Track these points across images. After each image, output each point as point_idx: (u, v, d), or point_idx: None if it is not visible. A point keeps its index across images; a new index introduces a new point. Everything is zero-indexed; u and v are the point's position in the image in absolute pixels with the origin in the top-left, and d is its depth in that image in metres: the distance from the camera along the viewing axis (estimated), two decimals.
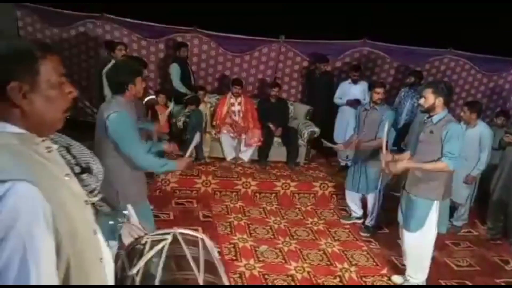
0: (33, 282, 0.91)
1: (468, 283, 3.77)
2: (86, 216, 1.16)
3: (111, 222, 1.67)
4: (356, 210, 4.66)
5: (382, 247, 4.20)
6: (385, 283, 3.64)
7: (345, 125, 5.76)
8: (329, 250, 4.07)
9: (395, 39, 6.39)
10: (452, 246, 4.42)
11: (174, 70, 5.68)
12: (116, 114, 2.53)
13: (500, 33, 6.10)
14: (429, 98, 3.16)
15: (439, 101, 3.14)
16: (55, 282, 0.98)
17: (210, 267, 1.62)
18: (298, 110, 6.30)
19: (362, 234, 4.43)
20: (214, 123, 5.77)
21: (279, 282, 3.48)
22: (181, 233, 1.75)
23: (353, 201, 4.62)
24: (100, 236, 1.27)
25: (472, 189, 4.64)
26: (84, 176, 1.25)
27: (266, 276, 3.54)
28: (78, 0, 5.80)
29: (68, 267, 1.04)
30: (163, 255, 1.59)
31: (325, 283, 3.55)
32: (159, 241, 1.68)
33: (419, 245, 3.37)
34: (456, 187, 4.55)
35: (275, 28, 6.34)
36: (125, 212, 1.64)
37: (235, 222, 4.44)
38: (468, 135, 4.44)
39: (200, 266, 1.57)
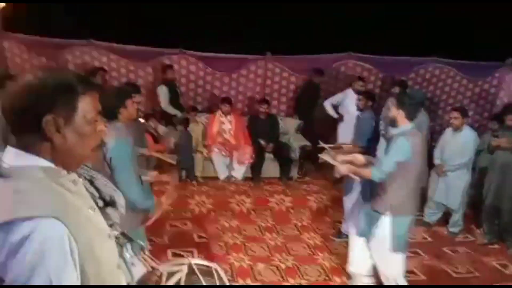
0: None
1: None
2: (110, 251, 1.15)
3: (127, 254, 1.65)
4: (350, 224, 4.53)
5: None
6: None
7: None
8: (327, 264, 4.03)
9: (379, 50, 6.51)
10: (449, 253, 4.40)
11: (162, 92, 5.72)
12: (114, 140, 2.53)
13: (483, 38, 6.24)
14: (392, 110, 3.07)
15: (400, 114, 3.01)
16: None
17: None
18: (289, 125, 6.34)
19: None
20: (205, 142, 5.77)
21: None
22: (196, 264, 1.74)
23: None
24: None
25: (464, 194, 4.66)
26: (108, 210, 1.23)
27: None
28: (64, 28, 5.83)
29: None
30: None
31: None
32: (175, 272, 1.67)
33: (376, 258, 3.22)
34: (449, 192, 4.62)
35: (261, 45, 6.44)
36: (141, 243, 1.63)
37: (231, 242, 4.39)
38: (455, 140, 4.52)
39: None
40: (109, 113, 2.62)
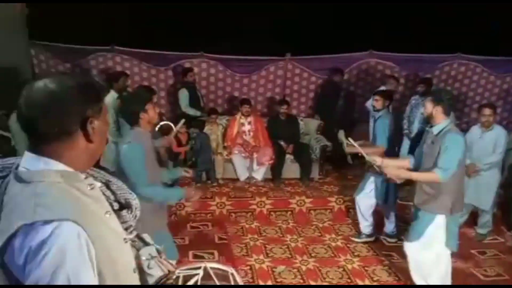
0: None
1: None
2: (126, 255, 1.16)
3: (143, 258, 1.68)
4: (366, 225, 4.43)
5: (404, 259, 4.05)
6: None
7: None
8: (349, 266, 3.97)
9: (401, 48, 6.37)
10: (478, 255, 4.25)
11: (183, 95, 5.78)
12: (127, 145, 2.60)
13: (508, 33, 6.01)
14: (428, 107, 3.05)
15: (437, 110, 3.01)
16: None
17: None
18: (309, 126, 6.29)
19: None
20: (225, 144, 5.80)
21: None
22: (212, 268, 1.75)
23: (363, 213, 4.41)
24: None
25: (495, 194, 4.49)
26: (124, 212, 1.24)
27: None
28: (88, 34, 5.99)
29: None
30: None
31: None
32: (191, 276, 1.68)
33: (422, 261, 3.21)
34: (480, 193, 4.44)
35: (281, 46, 6.42)
36: (158, 246, 1.65)
37: (251, 243, 4.39)
38: (486, 138, 4.36)
39: None
40: (131, 118, 2.69)
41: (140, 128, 2.68)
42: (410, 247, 3.25)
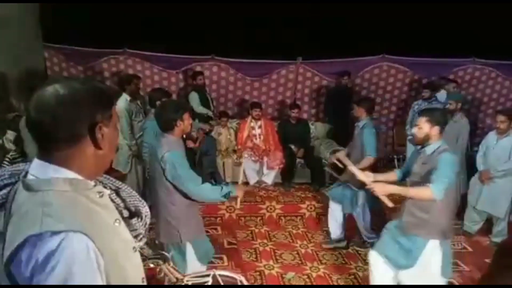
0: None
1: None
2: (135, 264, 1.14)
3: (151, 265, 1.67)
4: (336, 231, 4.31)
5: None
6: None
7: None
8: (360, 274, 3.90)
9: (414, 52, 6.28)
10: None
11: (193, 98, 5.78)
12: (169, 153, 2.61)
13: None
14: (424, 127, 2.85)
15: (435, 130, 2.83)
16: None
17: None
18: (320, 130, 6.23)
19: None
20: (235, 147, 5.77)
21: None
22: (220, 275, 1.73)
23: (334, 218, 4.29)
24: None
25: (511, 202, 4.39)
26: (133, 220, 1.23)
27: None
28: (100, 37, 6.04)
29: None
30: None
31: None
32: (200, 284, 1.66)
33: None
34: (494, 200, 4.35)
35: (292, 49, 6.39)
36: (166, 254, 1.63)
37: (261, 248, 4.35)
38: (502, 144, 4.27)
39: None
40: (167, 125, 2.70)
41: (171, 136, 2.70)
42: (405, 275, 2.94)
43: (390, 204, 2.92)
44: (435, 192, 2.68)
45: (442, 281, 2.92)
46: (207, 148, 5.40)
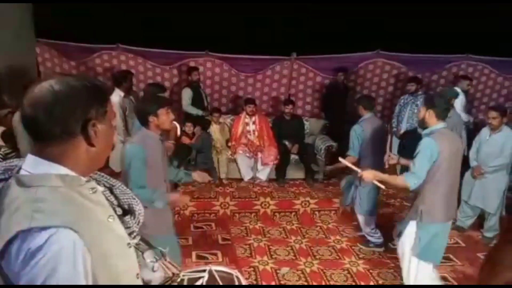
0: None
1: None
2: (129, 260, 1.14)
3: (148, 260, 1.66)
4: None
5: None
6: None
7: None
8: (354, 269, 3.92)
9: (409, 49, 6.30)
10: (484, 258, 4.18)
11: (186, 94, 5.75)
12: (130, 146, 2.60)
13: None
14: (421, 110, 2.98)
15: (430, 114, 2.91)
16: None
17: None
18: (314, 126, 6.24)
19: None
20: (230, 144, 5.76)
21: None
22: (217, 270, 1.72)
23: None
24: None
25: (502, 198, 4.43)
26: (127, 218, 1.22)
27: None
28: (93, 33, 5.98)
29: None
30: None
31: None
32: (196, 279, 1.66)
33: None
34: (486, 195, 4.39)
35: (286, 45, 6.37)
36: (162, 249, 1.62)
37: (255, 244, 4.35)
38: (494, 140, 4.30)
39: None
40: (141, 119, 2.68)
41: (148, 131, 2.67)
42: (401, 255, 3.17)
43: (382, 186, 3.16)
44: (408, 181, 2.86)
45: (415, 261, 2.98)
46: (203, 144, 5.39)
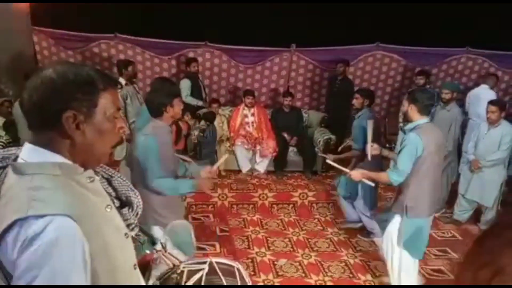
0: None
1: None
2: (127, 250, 1.13)
3: (147, 251, 1.65)
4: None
5: None
6: None
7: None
8: (351, 261, 3.94)
9: (408, 41, 6.26)
10: None
11: (184, 85, 5.71)
12: (144, 137, 2.58)
13: None
14: (404, 105, 3.04)
15: (412, 109, 2.93)
16: None
17: None
18: (313, 118, 6.23)
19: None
20: (228, 135, 5.75)
21: None
22: (217, 262, 1.72)
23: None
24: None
25: (499, 192, 4.45)
26: (124, 210, 1.21)
27: None
28: (91, 21, 5.91)
29: None
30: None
31: None
32: (196, 271, 1.65)
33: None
34: (483, 189, 4.40)
35: (285, 37, 6.32)
36: (161, 240, 1.61)
37: (253, 236, 4.37)
38: (492, 134, 4.30)
39: None
40: (156, 110, 2.64)
41: (160, 121, 2.65)
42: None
43: (372, 184, 3.25)
44: (391, 177, 2.92)
45: (398, 251, 3.03)
46: (208, 137, 5.36)
